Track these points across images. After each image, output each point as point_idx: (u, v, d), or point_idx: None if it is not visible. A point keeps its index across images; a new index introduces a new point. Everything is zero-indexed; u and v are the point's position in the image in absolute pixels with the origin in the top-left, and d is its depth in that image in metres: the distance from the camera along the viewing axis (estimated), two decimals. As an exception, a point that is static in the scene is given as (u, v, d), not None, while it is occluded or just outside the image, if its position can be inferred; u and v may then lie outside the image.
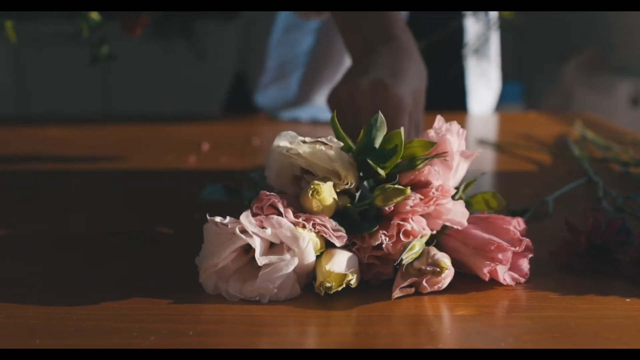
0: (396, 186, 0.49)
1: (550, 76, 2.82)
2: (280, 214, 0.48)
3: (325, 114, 1.15)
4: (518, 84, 3.01)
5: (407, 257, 0.48)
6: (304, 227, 0.48)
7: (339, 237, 0.48)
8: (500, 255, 0.49)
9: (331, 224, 0.48)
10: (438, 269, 0.48)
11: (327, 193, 0.48)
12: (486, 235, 0.50)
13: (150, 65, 2.90)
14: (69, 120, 1.26)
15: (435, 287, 0.48)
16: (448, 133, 0.53)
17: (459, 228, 0.51)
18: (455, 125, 0.53)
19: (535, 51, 3.16)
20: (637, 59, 2.41)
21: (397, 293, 0.47)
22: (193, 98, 2.68)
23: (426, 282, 0.48)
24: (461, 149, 0.54)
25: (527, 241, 0.50)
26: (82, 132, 1.15)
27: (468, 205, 0.55)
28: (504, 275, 0.49)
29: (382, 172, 0.50)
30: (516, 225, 0.52)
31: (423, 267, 0.48)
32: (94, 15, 0.77)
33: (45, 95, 2.96)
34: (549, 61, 2.98)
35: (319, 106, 1.16)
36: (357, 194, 0.51)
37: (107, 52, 0.80)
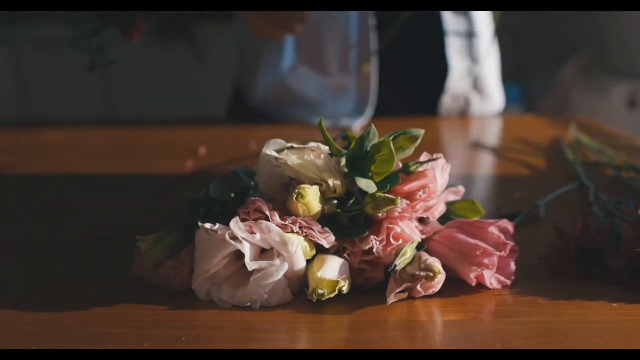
0: (387, 195, 0.49)
1: (548, 78, 2.83)
2: (266, 217, 0.48)
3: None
4: (516, 86, 3.01)
5: (400, 262, 0.49)
6: (291, 230, 0.48)
7: (326, 238, 0.49)
8: (486, 260, 0.49)
9: (317, 225, 0.49)
10: (431, 274, 0.48)
11: (312, 196, 0.49)
12: (472, 241, 0.51)
13: (151, 69, 2.90)
14: (68, 124, 1.27)
15: (429, 292, 0.49)
16: (433, 169, 0.53)
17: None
18: (440, 160, 0.54)
19: (533, 53, 3.16)
20: (634, 61, 2.41)
21: (391, 298, 0.48)
22: (194, 102, 2.68)
23: (420, 286, 0.49)
24: (445, 181, 0.54)
25: (511, 244, 0.51)
26: (80, 137, 1.16)
27: (448, 213, 0.56)
28: (491, 279, 0.50)
29: (372, 188, 0.50)
30: (501, 228, 0.52)
31: (416, 272, 0.49)
32: (92, 21, 0.78)
33: (45, 99, 2.96)
34: (547, 63, 2.98)
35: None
36: (348, 199, 0.51)
37: (105, 58, 0.81)
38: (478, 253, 0.49)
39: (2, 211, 0.76)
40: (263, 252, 0.49)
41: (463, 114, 1.22)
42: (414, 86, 1.19)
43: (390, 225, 0.50)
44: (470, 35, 1.15)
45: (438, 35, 1.14)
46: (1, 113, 2.89)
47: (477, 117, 1.23)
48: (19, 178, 0.90)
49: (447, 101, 1.19)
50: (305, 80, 1.15)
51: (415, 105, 1.19)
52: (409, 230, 0.50)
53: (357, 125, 1.13)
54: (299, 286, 0.49)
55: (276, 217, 0.48)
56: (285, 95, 1.17)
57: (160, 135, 1.16)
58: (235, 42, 1.35)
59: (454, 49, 1.15)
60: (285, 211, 0.50)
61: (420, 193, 0.51)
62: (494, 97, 1.25)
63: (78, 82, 2.70)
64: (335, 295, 0.48)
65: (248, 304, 0.48)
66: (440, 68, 1.16)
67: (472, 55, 1.17)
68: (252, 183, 0.57)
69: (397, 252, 0.49)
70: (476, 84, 1.20)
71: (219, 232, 0.47)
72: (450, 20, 1.13)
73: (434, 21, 1.14)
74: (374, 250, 0.49)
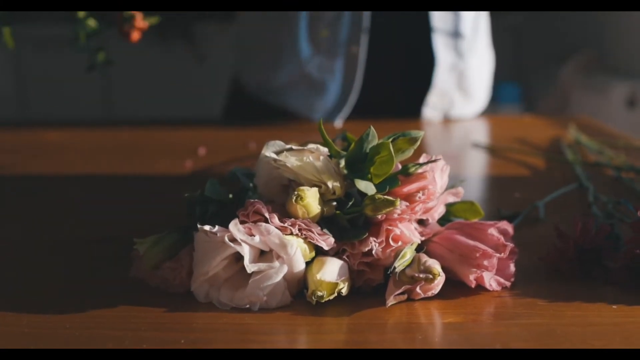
0: (386, 197, 0.49)
1: (548, 78, 2.83)
2: (266, 220, 0.48)
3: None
4: (516, 86, 3.01)
5: (399, 264, 0.49)
6: (290, 232, 0.48)
7: (325, 240, 0.49)
8: (485, 262, 0.49)
9: (317, 228, 0.49)
10: (431, 276, 0.48)
11: (311, 199, 0.49)
12: (471, 242, 0.51)
13: (151, 69, 2.90)
14: (68, 124, 1.27)
15: (429, 294, 0.49)
16: (432, 171, 0.53)
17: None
18: (439, 162, 0.53)
19: (533, 53, 3.16)
20: (633, 61, 2.42)
21: (391, 300, 0.48)
22: (194, 102, 2.68)
23: (420, 288, 0.49)
24: (444, 183, 0.54)
25: (511, 246, 0.51)
26: (80, 137, 1.16)
27: (448, 215, 0.56)
28: (490, 281, 0.50)
29: (371, 190, 0.50)
30: (501, 230, 0.52)
31: (416, 275, 0.48)
32: (91, 22, 0.78)
33: (45, 99, 2.96)
34: (547, 63, 2.98)
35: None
36: (347, 201, 0.51)
37: (104, 58, 0.81)
38: (478, 255, 0.49)
39: (2, 211, 0.76)
40: (262, 255, 0.49)
41: (446, 114, 1.20)
42: (400, 81, 1.17)
43: (389, 227, 0.50)
44: (456, 26, 1.12)
45: (425, 29, 1.12)
46: (1, 113, 2.89)
47: (476, 118, 1.22)
48: (19, 178, 0.90)
49: (433, 99, 1.17)
50: (316, 63, 1.13)
51: (402, 101, 1.17)
52: (409, 232, 0.50)
53: (341, 117, 1.12)
54: (298, 288, 0.49)
55: (275, 220, 0.48)
56: (301, 78, 1.15)
57: (160, 135, 1.16)
58: (235, 38, 1.34)
59: (440, 43, 1.12)
60: (285, 213, 0.50)
61: (420, 195, 0.51)
62: (476, 97, 1.22)
63: (78, 82, 2.70)
64: (335, 298, 0.48)
65: (247, 306, 0.48)
66: (426, 62, 1.14)
67: (457, 50, 1.14)
68: (251, 185, 0.57)
69: (397, 254, 0.49)
70: (460, 82, 1.17)
71: (218, 235, 0.47)
72: (438, 14, 1.11)
73: (421, 15, 1.11)
74: (374, 252, 0.49)
